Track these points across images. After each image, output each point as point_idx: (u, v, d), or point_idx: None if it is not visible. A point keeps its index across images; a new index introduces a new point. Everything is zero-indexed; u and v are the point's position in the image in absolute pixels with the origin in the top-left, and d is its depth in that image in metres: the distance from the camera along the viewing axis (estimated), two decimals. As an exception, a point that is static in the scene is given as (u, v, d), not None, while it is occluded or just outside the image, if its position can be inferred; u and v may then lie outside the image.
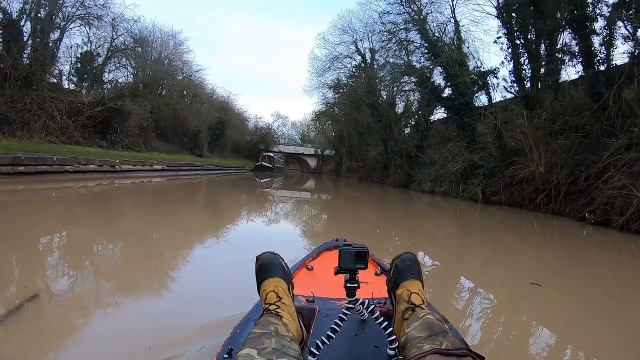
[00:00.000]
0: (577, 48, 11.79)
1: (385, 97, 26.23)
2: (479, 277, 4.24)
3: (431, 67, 19.17)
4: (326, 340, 1.27)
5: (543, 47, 13.76)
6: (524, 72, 14.40)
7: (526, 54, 14.26)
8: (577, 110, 11.77)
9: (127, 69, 29.36)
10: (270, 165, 43.89)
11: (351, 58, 29.40)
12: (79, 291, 2.82)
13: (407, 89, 25.93)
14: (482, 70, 14.80)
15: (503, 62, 14.72)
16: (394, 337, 1.32)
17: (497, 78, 14.50)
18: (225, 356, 1.28)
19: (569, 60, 12.11)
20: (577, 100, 12.03)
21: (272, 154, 47.61)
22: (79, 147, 17.06)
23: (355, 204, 14.33)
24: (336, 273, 1.29)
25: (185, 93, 36.47)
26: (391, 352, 1.31)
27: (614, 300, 3.70)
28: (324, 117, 44.57)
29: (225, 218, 8.17)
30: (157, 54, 31.99)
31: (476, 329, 2.65)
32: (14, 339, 1.98)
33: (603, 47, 11.33)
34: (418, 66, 20.05)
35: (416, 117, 25.05)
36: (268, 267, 1.48)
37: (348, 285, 1.28)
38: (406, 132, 26.38)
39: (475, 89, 14.97)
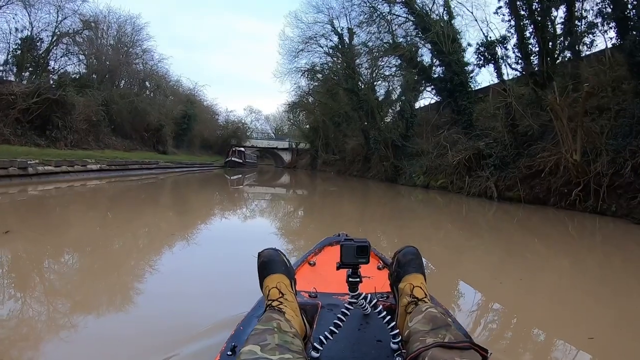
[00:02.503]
0: (608, 9, 9.66)
1: (365, 79, 23.67)
2: (485, 283, 3.78)
3: (419, 43, 16.90)
4: (329, 335, 1.26)
5: (560, 12, 11.64)
6: (530, 45, 12.20)
7: (532, 25, 12.03)
8: (610, 85, 9.66)
9: (77, 56, 26.27)
10: (241, 161, 41.10)
11: (326, 38, 26.65)
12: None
13: (387, 73, 23.54)
14: (489, 39, 12.42)
15: (505, 37, 12.52)
16: (397, 330, 1.31)
17: (507, 49, 12.21)
18: (229, 353, 1.24)
19: (602, 24, 9.97)
20: (607, 73, 9.95)
21: (242, 149, 44.85)
22: (5, 146, 14.08)
23: (334, 200, 12.88)
24: (338, 268, 1.29)
25: (148, 84, 33.48)
26: (394, 346, 1.29)
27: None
28: (297, 107, 42.06)
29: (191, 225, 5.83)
30: (114, 40, 28.77)
31: (480, 322, 2.63)
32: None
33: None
34: (404, 43, 17.67)
35: (399, 103, 22.72)
36: (270, 263, 1.48)
37: (350, 279, 1.29)
38: (387, 120, 24.09)
39: (482, 61, 12.60)
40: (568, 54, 11.51)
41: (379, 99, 24.13)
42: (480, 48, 12.49)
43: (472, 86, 15.89)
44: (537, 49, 12.06)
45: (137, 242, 5.10)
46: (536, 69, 12.04)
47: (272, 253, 1.51)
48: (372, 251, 1.80)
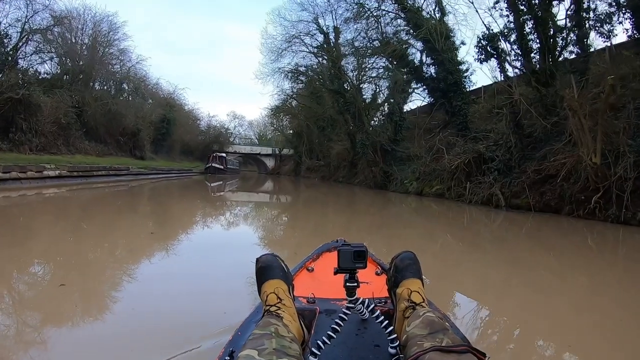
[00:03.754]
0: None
1: (352, 80, 22.59)
2: (486, 297, 3.41)
3: (411, 40, 15.99)
4: (327, 340, 1.25)
5: (562, 6, 10.81)
6: (530, 42, 11.31)
7: (532, 20, 11.13)
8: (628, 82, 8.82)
9: (48, 54, 24.79)
10: (222, 167, 39.77)
11: (312, 36, 25.47)
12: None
13: (374, 74, 22.56)
14: (492, 32, 11.36)
15: (505, 32, 11.57)
16: (395, 335, 1.31)
17: (510, 43, 11.20)
18: (227, 358, 1.24)
19: (617, 14, 9.10)
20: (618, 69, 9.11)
21: (224, 154, 43.51)
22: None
23: (319, 207, 12.15)
24: (335, 272, 1.28)
25: (126, 87, 31.99)
26: (392, 351, 1.30)
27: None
28: (280, 112, 41.00)
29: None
30: (89, 39, 27.21)
31: (478, 326, 2.61)
32: None
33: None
34: (394, 40, 16.72)
35: (386, 104, 21.75)
36: (268, 268, 1.48)
37: (347, 284, 1.28)
38: (374, 123, 23.10)
39: (483, 56, 11.56)
40: (575, 49, 10.62)
41: (366, 101, 23.17)
42: (482, 41, 11.43)
43: (467, 86, 15.05)
44: (538, 45, 11.21)
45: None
46: (537, 66, 11.15)
47: (270, 259, 1.51)
48: (370, 257, 1.84)
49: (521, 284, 3.87)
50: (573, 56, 10.98)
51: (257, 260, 1.50)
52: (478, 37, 11.58)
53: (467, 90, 15.25)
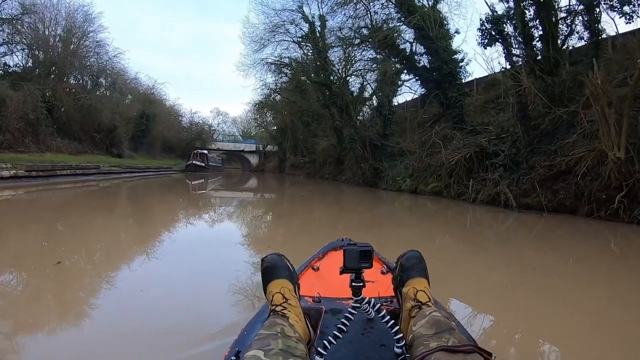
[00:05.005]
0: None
1: (339, 72, 21.57)
2: (489, 304, 3.21)
3: (402, 27, 15.12)
4: (333, 340, 1.24)
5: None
6: (531, 28, 10.44)
7: (534, 6, 10.23)
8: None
9: (18, 46, 23.41)
10: (203, 164, 38.32)
11: (296, 26, 24.22)
12: None
13: (362, 67, 21.63)
14: (496, 14, 10.34)
15: (511, 15, 10.65)
16: (401, 335, 1.29)
17: (517, 27, 10.22)
18: (233, 358, 1.24)
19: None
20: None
21: (205, 151, 42.06)
22: None
23: (304, 205, 11.74)
24: (341, 272, 1.27)
25: (103, 81, 30.48)
26: (398, 350, 1.28)
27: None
28: (263, 107, 40.04)
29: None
30: (63, 30, 25.68)
31: (484, 326, 2.57)
32: None
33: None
34: (385, 27, 15.82)
35: (375, 97, 20.85)
36: (273, 268, 1.45)
37: (353, 284, 1.27)
38: (360, 117, 22.19)
39: (486, 40, 10.57)
40: (586, 34, 9.78)
41: (354, 94, 22.23)
42: (485, 24, 10.45)
43: (462, 76, 14.22)
44: (541, 32, 10.34)
45: None
46: (539, 55, 10.30)
47: (275, 258, 1.47)
48: (375, 255, 1.81)
49: (532, 287, 3.69)
50: (581, 43, 10.16)
51: (263, 260, 1.47)
52: (481, 19, 10.59)
53: (463, 80, 14.44)
